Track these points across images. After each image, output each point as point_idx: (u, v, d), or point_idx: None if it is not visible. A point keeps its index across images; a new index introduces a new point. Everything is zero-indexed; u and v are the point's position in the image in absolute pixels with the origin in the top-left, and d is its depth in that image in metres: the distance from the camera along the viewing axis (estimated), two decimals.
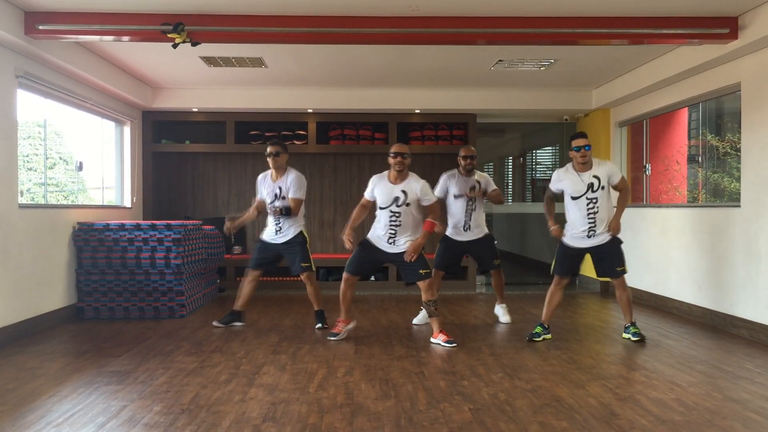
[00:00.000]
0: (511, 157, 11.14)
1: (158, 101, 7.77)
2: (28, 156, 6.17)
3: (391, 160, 4.86)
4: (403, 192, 4.81)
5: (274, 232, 5.37)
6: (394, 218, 4.81)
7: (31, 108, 5.82)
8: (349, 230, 4.88)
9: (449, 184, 5.57)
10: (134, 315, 5.92)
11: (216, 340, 4.99)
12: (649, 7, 4.71)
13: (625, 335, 5.01)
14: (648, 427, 3.05)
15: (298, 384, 3.77)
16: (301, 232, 5.37)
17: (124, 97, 7.06)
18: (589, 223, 4.86)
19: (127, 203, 7.56)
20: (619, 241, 4.96)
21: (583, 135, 4.92)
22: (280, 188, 5.30)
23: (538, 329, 4.99)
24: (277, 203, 5.28)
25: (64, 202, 6.73)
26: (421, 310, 5.66)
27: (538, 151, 10.36)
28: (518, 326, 5.58)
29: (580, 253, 4.99)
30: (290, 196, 5.27)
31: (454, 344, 4.73)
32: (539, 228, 9.81)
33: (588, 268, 8.18)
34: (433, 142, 8.25)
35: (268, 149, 5.27)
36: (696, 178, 7.22)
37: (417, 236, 4.84)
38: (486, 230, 5.68)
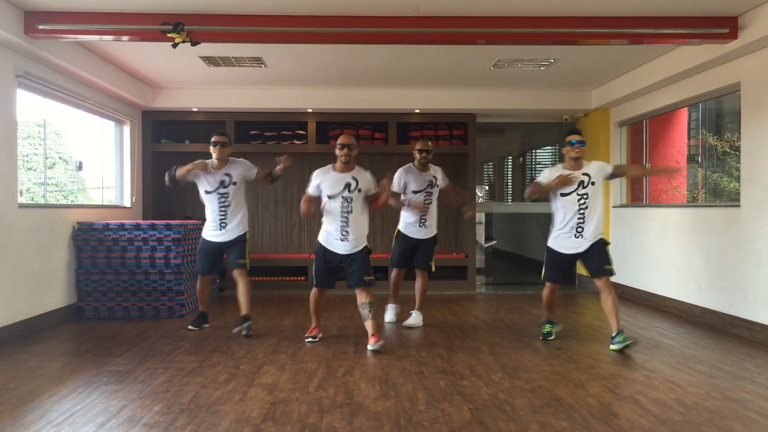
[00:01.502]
0: (510, 157, 11.14)
1: (158, 101, 7.76)
2: (27, 156, 6.16)
3: (338, 152, 4.78)
4: (354, 179, 4.77)
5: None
6: (346, 204, 4.72)
7: (31, 108, 5.81)
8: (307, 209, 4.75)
9: (407, 179, 5.48)
10: (134, 315, 5.92)
11: (215, 339, 4.99)
12: (649, 6, 4.71)
13: (612, 347, 4.62)
14: (647, 427, 3.05)
15: (298, 384, 3.77)
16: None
17: (123, 97, 7.06)
18: (579, 219, 4.77)
19: (127, 203, 7.56)
20: (605, 242, 4.82)
21: (578, 131, 4.90)
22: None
23: (548, 327, 5.02)
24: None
25: (64, 202, 6.72)
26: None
27: (537, 151, 10.36)
28: (518, 326, 5.58)
29: (568, 260, 4.90)
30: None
31: (380, 345, 4.59)
32: (539, 228, 9.81)
33: None
34: (432, 141, 8.23)
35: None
36: (696, 177, 7.23)
37: (365, 237, 4.82)
38: (436, 230, 5.64)
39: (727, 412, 3.28)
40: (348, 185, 4.76)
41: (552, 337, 4.98)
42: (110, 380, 3.84)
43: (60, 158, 6.98)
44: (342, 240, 4.75)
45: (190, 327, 5.37)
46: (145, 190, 7.98)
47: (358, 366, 4.18)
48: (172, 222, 6.17)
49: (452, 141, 8.22)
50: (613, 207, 7.78)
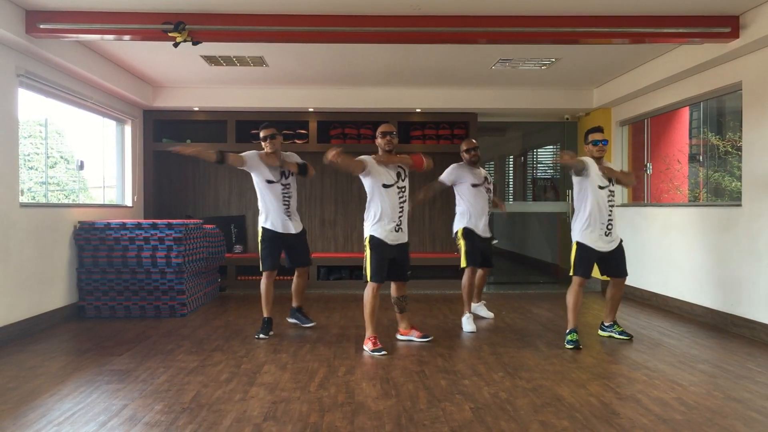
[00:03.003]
0: (512, 156, 11.13)
1: (159, 100, 7.77)
2: (29, 155, 6.18)
3: (379, 140, 4.72)
4: (400, 167, 4.77)
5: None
6: (402, 194, 4.71)
7: (33, 107, 5.82)
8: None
9: (462, 173, 5.65)
10: (135, 314, 5.93)
11: (217, 338, 4.99)
12: (651, 6, 4.71)
13: (605, 333, 5.10)
14: (649, 426, 3.05)
15: (299, 383, 3.77)
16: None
17: (125, 96, 7.06)
18: (609, 216, 4.81)
19: (128, 202, 7.57)
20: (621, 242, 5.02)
21: (600, 129, 4.91)
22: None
23: (575, 336, 4.74)
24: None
25: (65, 201, 6.73)
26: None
27: (539, 150, 10.36)
28: (519, 325, 5.58)
29: (597, 256, 4.86)
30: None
31: (429, 338, 4.92)
32: (540, 227, 9.81)
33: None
34: (434, 141, 8.25)
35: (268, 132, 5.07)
36: (697, 177, 7.22)
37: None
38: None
39: (729, 412, 3.28)
40: (399, 174, 4.74)
41: (579, 347, 4.69)
42: (111, 379, 3.84)
43: (61, 157, 6.99)
44: (397, 231, 4.71)
45: (260, 336, 5.02)
46: (147, 189, 7.99)
47: (359, 365, 4.18)
48: (174, 221, 6.17)
49: (453, 140, 8.21)
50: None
